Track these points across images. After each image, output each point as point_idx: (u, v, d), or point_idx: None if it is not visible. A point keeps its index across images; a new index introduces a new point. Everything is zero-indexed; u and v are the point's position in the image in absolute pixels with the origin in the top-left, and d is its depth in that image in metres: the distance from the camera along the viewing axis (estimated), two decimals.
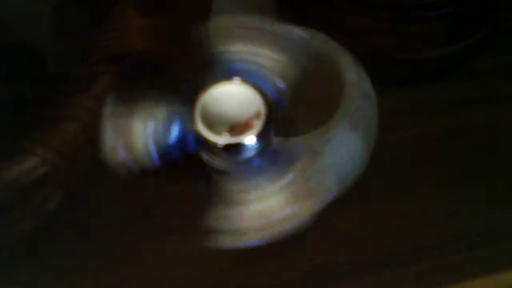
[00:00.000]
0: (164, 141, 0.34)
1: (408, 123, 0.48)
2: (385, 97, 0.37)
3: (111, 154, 0.34)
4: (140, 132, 0.34)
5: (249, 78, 0.34)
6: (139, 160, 0.34)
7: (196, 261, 0.43)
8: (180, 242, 0.43)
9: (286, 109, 0.36)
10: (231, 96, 0.32)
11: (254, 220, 0.34)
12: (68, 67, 0.43)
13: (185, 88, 0.36)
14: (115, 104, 0.35)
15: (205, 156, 0.33)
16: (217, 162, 0.33)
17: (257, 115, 0.32)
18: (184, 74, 0.38)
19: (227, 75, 0.34)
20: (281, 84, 0.36)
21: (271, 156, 0.34)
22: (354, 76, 0.36)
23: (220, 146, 0.32)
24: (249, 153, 0.32)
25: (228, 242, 0.34)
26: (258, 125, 0.32)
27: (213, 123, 0.32)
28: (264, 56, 0.36)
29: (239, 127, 0.32)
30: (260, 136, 0.32)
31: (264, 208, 0.34)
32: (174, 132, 0.34)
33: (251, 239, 0.34)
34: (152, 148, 0.34)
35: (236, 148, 0.32)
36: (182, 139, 0.34)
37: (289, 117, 0.36)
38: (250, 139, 0.32)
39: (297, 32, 0.39)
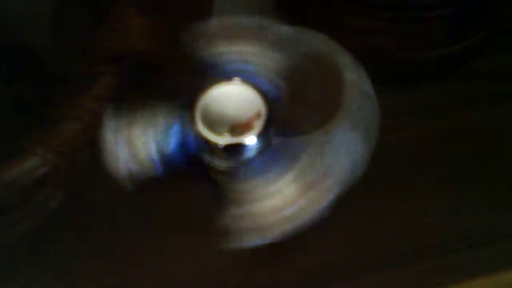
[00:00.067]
0: (166, 147, 0.34)
1: (408, 123, 0.48)
2: (385, 97, 0.37)
3: (115, 165, 0.34)
4: (142, 141, 0.34)
5: (248, 78, 0.34)
6: (143, 169, 0.34)
7: (196, 261, 0.43)
8: (180, 242, 0.43)
9: (285, 109, 0.36)
10: (232, 97, 0.33)
11: (257, 220, 0.34)
12: (68, 67, 0.43)
13: (184, 90, 0.36)
14: (114, 115, 0.35)
15: (207, 158, 0.33)
16: (218, 163, 0.33)
17: (258, 115, 0.32)
18: (183, 76, 0.38)
19: (227, 76, 0.34)
20: (280, 84, 0.35)
21: (272, 156, 0.34)
22: (354, 76, 0.36)
23: (220, 147, 0.32)
24: (249, 153, 0.32)
25: (234, 241, 0.34)
26: (258, 125, 0.32)
27: (213, 123, 0.32)
28: (264, 56, 0.36)
29: (239, 128, 0.32)
30: (261, 136, 0.32)
31: (267, 207, 0.34)
32: (175, 137, 0.34)
33: (256, 239, 0.34)
34: (155, 155, 0.34)
35: (236, 148, 0.32)
36: (183, 143, 0.34)
37: (289, 117, 0.36)
38: (250, 139, 0.32)
39: (297, 33, 0.39)
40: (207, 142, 0.32)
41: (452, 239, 0.44)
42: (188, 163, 0.34)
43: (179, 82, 0.38)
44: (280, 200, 0.33)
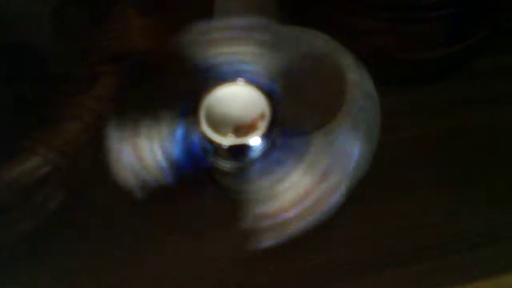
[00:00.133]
0: (173, 153, 0.34)
1: (409, 123, 0.48)
2: (385, 97, 0.37)
3: (124, 175, 0.34)
4: (148, 149, 0.34)
5: (251, 79, 0.34)
6: (152, 177, 0.34)
7: (196, 261, 0.43)
8: (180, 242, 0.43)
9: (287, 109, 0.36)
10: (236, 98, 0.32)
11: (266, 220, 0.34)
12: (69, 67, 0.43)
13: (186, 92, 0.36)
14: (118, 128, 0.35)
15: (212, 160, 0.33)
16: (223, 164, 0.33)
17: (262, 116, 0.32)
18: (184, 77, 0.38)
19: (229, 77, 0.34)
20: (282, 84, 0.35)
21: (276, 156, 0.34)
22: (356, 76, 0.37)
23: (225, 147, 0.32)
24: (254, 154, 0.32)
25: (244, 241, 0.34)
26: (262, 126, 0.32)
27: (218, 124, 0.32)
28: (266, 57, 0.36)
29: (244, 128, 0.32)
30: (265, 137, 0.32)
31: (274, 207, 0.34)
32: (180, 142, 0.34)
33: (266, 239, 0.34)
34: (163, 162, 0.34)
35: (241, 149, 0.32)
36: (188, 147, 0.34)
37: (291, 117, 0.36)
38: (255, 140, 0.32)
39: (299, 33, 0.39)
40: (211, 143, 0.32)
41: (452, 240, 0.44)
42: (193, 166, 0.34)
43: (180, 83, 0.38)
44: (287, 200, 0.33)
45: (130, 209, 0.43)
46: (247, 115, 0.32)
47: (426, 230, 0.44)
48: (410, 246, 0.44)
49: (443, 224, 0.44)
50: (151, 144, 0.34)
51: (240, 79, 0.33)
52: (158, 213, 0.43)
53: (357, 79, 0.36)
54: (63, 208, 0.42)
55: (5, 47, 0.42)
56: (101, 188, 0.44)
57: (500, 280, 0.42)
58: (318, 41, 0.38)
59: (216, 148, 0.32)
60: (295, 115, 0.36)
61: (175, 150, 0.34)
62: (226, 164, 0.33)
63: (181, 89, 0.38)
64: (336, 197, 0.34)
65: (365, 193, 0.39)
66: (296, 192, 0.33)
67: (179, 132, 0.34)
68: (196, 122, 0.32)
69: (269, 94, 0.33)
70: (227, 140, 0.32)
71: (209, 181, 0.36)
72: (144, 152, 0.34)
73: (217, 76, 0.34)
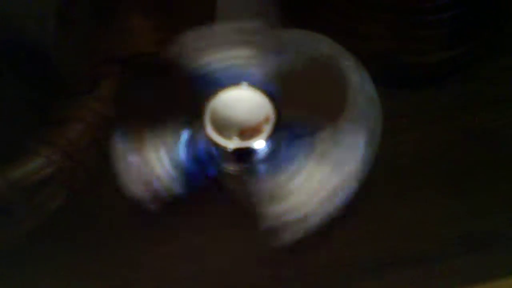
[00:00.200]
0: (181, 161, 0.34)
1: (410, 126, 0.48)
2: (387, 100, 0.37)
3: (135, 191, 0.35)
4: (156, 161, 0.34)
5: (254, 83, 0.34)
6: (164, 189, 0.34)
7: (196, 262, 0.43)
8: (181, 243, 0.44)
9: (289, 112, 0.36)
10: (240, 101, 0.33)
11: (281, 218, 0.34)
12: (73, 68, 0.42)
13: (187, 100, 0.36)
14: (123, 141, 0.35)
15: (218, 164, 0.34)
16: (230, 168, 0.34)
17: (266, 120, 0.32)
18: (184, 85, 0.38)
19: (231, 81, 0.34)
20: (284, 87, 0.36)
21: (279, 159, 0.34)
22: (358, 79, 0.37)
23: (230, 150, 0.32)
24: (259, 157, 0.33)
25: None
26: (267, 129, 0.32)
27: (223, 128, 0.32)
28: (267, 60, 0.36)
29: (248, 132, 0.32)
30: (269, 140, 0.32)
31: (287, 205, 0.34)
32: (187, 149, 0.34)
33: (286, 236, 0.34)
34: (173, 173, 0.34)
35: (245, 152, 0.32)
36: (195, 153, 0.34)
37: (293, 120, 0.36)
38: (259, 143, 0.32)
39: (300, 35, 0.39)
40: (216, 146, 0.32)
41: (452, 243, 0.44)
42: (201, 172, 0.34)
43: (181, 90, 0.38)
44: (300, 196, 0.34)
45: (132, 210, 0.43)
46: (252, 118, 0.32)
47: (426, 233, 0.44)
48: (410, 248, 0.44)
49: (444, 227, 0.44)
50: (158, 154, 0.34)
51: (244, 83, 0.33)
52: (162, 214, 0.43)
53: (359, 82, 0.36)
54: (65, 209, 0.42)
55: (8, 47, 0.42)
56: (103, 189, 0.44)
57: (500, 285, 0.42)
58: (320, 44, 0.38)
59: (222, 152, 0.32)
60: (297, 118, 0.36)
61: (183, 158, 0.34)
62: (232, 168, 0.34)
63: (182, 96, 0.38)
64: (349, 189, 0.34)
65: (365, 195, 0.40)
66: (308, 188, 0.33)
67: (185, 139, 0.34)
68: (200, 128, 0.33)
69: (272, 97, 0.33)
70: (232, 143, 0.32)
71: (216, 184, 0.36)
72: (152, 163, 0.34)
73: (219, 81, 0.34)
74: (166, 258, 0.44)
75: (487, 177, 0.46)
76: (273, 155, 0.33)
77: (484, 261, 0.43)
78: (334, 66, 0.37)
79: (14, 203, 0.40)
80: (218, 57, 0.36)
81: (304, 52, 0.37)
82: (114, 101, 0.41)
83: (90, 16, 0.44)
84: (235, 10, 0.50)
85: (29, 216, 0.41)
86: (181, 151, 0.34)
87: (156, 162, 0.34)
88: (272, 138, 0.32)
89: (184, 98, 0.37)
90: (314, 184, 0.34)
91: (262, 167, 0.34)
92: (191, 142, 0.34)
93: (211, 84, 0.34)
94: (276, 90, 0.35)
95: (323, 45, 0.38)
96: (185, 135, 0.34)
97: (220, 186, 0.35)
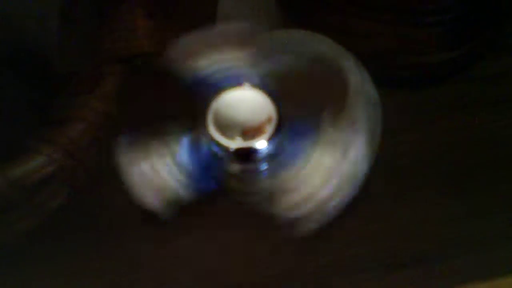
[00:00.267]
0: (188, 167, 0.34)
1: (410, 127, 0.48)
2: (387, 101, 0.37)
3: (148, 201, 0.35)
4: (164, 169, 0.34)
5: (255, 84, 0.34)
6: (175, 196, 0.35)
7: (196, 262, 0.44)
8: (182, 243, 0.44)
9: (289, 112, 0.36)
10: (243, 102, 0.33)
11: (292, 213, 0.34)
12: (74, 67, 0.42)
13: (187, 106, 0.36)
14: (128, 151, 0.35)
15: (223, 165, 0.34)
16: (234, 168, 0.34)
17: (269, 120, 0.32)
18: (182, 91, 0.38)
19: (232, 83, 0.34)
20: (284, 88, 0.36)
21: (281, 158, 0.34)
22: (358, 79, 0.37)
23: (232, 150, 0.32)
24: (261, 156, 0.33)
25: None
26: (269, 129, 0.32)
27: (225, 128, 0.32)
28: (267, 61, 0.36)
29: (251, 132, 0.32)
30: (271, 140, 0.32)
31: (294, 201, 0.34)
32: (192, 154, 0.34)
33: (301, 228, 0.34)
34: (182, 179, 0.34)
35: (248, 152, 0.32)
36: (200, 158, 0.34)
37: (293, 120, 0.36)
38: (261, 144, 0.32)
39: (300, 35, 0.39)
40: (219, 146, 0.32)
41: (452, 243, 0.44)
42: (208, 174, 0.35)
43: (180, 97, 0.38)
44: (307, 191, 0.34)
45: (133, 209, 0.43)
46: (254, 119, 0.32)
47: (426, 233, 0.44)
48: (410, 248, 0.44)
49: (444, 228, 0.45)
50: (165, 162, 0.34)
51: (246, 83, 0.34)
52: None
53: (359, 82, 0.36)
54: (65, 208, 0.42)
55: (10, 46, 0.42)
56: (104, 188, 0.44)
57: (500, 283, 0.42)
58: (320, 44, 0.38)
59: (225, 153, 0.32)
60: (297, 118, 0.36)
61: (188, 163, 0.34)
62: (235, 168, 0.34)
63: (182, 100, 0.38)
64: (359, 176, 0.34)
65: (365, 196, 0.40)
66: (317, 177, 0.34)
67: (188, 144, 0.34)
68: (203, 132, 0.33)
69: (274, 98, 0.33)
70: (234, 143, 0.32)
71: (218, 184, 0.36)
72: (160, 171, 0.34)
73: (218, 84, 0.35)
74: (166, 258, 0.44)
75: (487, 178, 0.46)
76: (276, 154, 0.33)
77: (484, 261, 0.43)
78: (334, 66, 0.37)
79: (14, 201, 0.39)
80: (216, 60, 0.36)
81: (304, 52, 0.37)
82: (116, 101, 0.41)
83: (92, 16, 0.43)
84: (235, 10, 0.50)
85: (30, 215, 0.41)
86: (186, 156, 0.34)
87: (163, 170, 0.34)
88: (274, 138, 0.32)
89: (184, 102, 0.37)
90: (323, 172, 0.34)
91: (265, 167, 0.34)
92: (194, 146, 0.34)
93: (211, 87, 0.34)
94: (276, 90, 0.35)
95: (323, 45, 0.38)
96: (187, 139, 0.34)
97: (223, 186, 0.35)
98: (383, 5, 0.46)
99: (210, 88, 0.34)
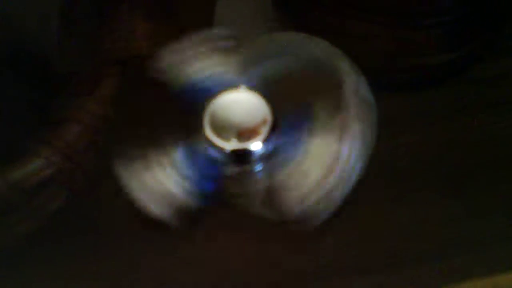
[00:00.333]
0: (189, 174, 0.34)
1: (408, 129, 0.48)
2: (384, 103, 0.37)
3: (156, 211, 0.35)
4: (166, 179, 0.35)
5: (251, 86, 0.34)
6: (180, 204, 0.35)
7: (195, 264, 0.44)
8: (182, 244, 0.44)
9: (285, 115, 0.36)
10: (238, 104, 0.33)
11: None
12: (73, 69, 0.43)
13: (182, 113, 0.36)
14: (129, 164, 0.35)
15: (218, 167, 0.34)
16: (231, 170, 0.34)
17: (264, 122, 0.32)
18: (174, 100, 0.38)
19: (231, 84, 0.35)
20: (279, 90, 0.36)
21: (280, 156, 0.35)
22: (353, 81, 0.37)
23: (227, 152, 0.32)
24: (256, 158, 0.33)
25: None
26: (264, 131, 0.32)
27: (221, 130, 0.32)
28: (261, 64, 0.36)
29: (246, 134, 0.32)
30: (266, 142, 0.32)
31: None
32: (191, 162, 0.35)
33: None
34: (185, 186, 0.34)
35: (243, 153, 0.32)
36: (199, 164, 0.35)
37: (288, 122, 0.36)
38: (256, 145, 0.32)
39: (297, 38, 0.39)
40: (215, 148, 0.32)
41: (452, 243, 0.44)
42: (208, 180, 0.35)
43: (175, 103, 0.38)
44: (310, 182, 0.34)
45: (132, 211, 0.43)
46: (249, 120, 0.33)
47: (426, 233, 0.45)
48: (410, 248, 0.44)
49: (443, 227, 0.45)
50: (166, 171, 0.35)
51: (242, 86, 0.34)
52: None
53: (354, 84, 0.37)
54: (64, 211, 0.42)
55: (10, 46, 0.42)
56: (102, 190, 0.44)
57: (499, 279, 0.43)
58: (316, 47, 0.38)
59: (222, 155, 0.33)
60: (292, 120, 0.36)
61: (188, 169, 0.34)
62: (232, 170, 0.34)
63: (175, 109, 0.38)
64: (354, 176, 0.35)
65: (365, 197, 0.40)
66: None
67: (186, 151, 0.34)
68: (198, 137, 0.33)
69: (270, 100, 0.34)
70: (230, 145, 0.32)
71: (216, 186, 0.36)
72: (163, 180, 0.35)
73: (211, 89, 0.35)
74: (165, 260, 0.44)
75: (486, 178, 0.46)
76: (272, 154, 0.34)
77: (484, 261, 0.43)
78: (329, 69, 0.37)
79: (14, 204, 0.40)
80: (206, 66, 0.36)
81: (300, 55, 0.37)
82: (113, 104, 0.41)
83: (91, 17, 0.44)
84: (232, 13, 0.50)
85: (29, 217, 0.41)
86: (185, 163, 0.34)
87: (166, 179, 0.35)
88: (269, 139, 0.32)
89: (177, 110, 0.37)
90: (323, 163, 0.34)
91: (261, 167, 0.34)
92: (192, 152, 0.34)
93: (203, 93, 0.35)
94: (271, 92, 0.35)
95: (319, 48, 0.38)
96: (184, 146, 0.35)
97: (221, 189, 0.36)
98: (381, 7, 0.46)
99: (202, 94, 0.35)
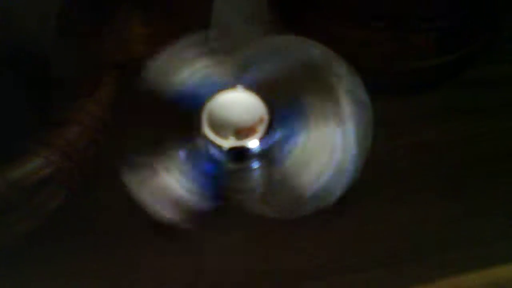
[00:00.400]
0: (195, 176, 0.35)
1: (405, 132, 0.48)
2: (382, 106, 0.37)
3: (167, 215, 0.35)
4: (174, 183, 0.35)
5: (247, 86, 0.35)
6: (192, 206, 0.35)
7: (195, 262, 0.44)
8: (180, 243, 0.44)
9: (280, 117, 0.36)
10: (236, 103, 0.33)
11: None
12: (72, 71, 0.43)
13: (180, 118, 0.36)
14: (135, 173, 0.35)
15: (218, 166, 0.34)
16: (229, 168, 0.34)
17: (261, 120, 0.33)
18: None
19: (228, 85, 0.35)
20: (276, 93, 0.36)
21: (271, 159, 0.35)
22: (349, 84, 0.37)
23: (225, 150, 0.33)
24: (254, 155, 0.33)
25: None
26: (261, 129, 0.33)
27: (219, 128, 0.33)
28: (260, 66, 0.37)
29: (244, 132, 0.33)
30: (263, 140, 0.33)
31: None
32: (196, 163, 0.35)
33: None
34: (193, 188, 0.35)
35: (240, 151, 0.33)
36: (202, 166, 0.35)
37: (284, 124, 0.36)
38: (253, 143, 0.33)
39: (293, 41, 0.39)
40: (214, 146, 0.33)
41: (452, 243, 0.44)
42: (213, 181, 0.35)
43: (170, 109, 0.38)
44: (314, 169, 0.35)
45: (132, 210, 0.44)
46: (247, 119, 0.33)
47: (426, 233, 0.45)
48: (409, 248, 0.44)
49: (443, 228, 0.45)
50: (173, 175, 0.35)
51: (239, 86, 0.34)
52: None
53: (350, 88, 0.37)
54: (63, 210, 0.42)
55: (10, 46, 0.42)
56: (101, 189, 0.45)
57: (494, 272, 0.43)
58: (313, 49, 0.38)
59: (221, 153, 0.33)
60: (288, 118, 0.36)
61: (194, 171, 0.35)
62: (231, 167, 0.34)
63: (172, 115, 0.38)
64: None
65: (365, 198, 0.40)
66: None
67: (188, 154, 0.35)
68: (198, 138, 0.33)
69: (267, 99, 0.34)
70: (227, 143, 0.32)
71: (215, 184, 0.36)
72: (171, 185, 0.35)
73: (204, 92, 0.35)
74: (165, 259, 0.44)
75: (485, 179, 0.47)
76: (268, 152, 0.34)
77: (484, 261, 0.43)
78: (326, 72, 0.37)
79: (13, 203, 0.40)
80: (197, 70, 0.36)
81: (296, 58, 0.37)
82: (111, 107, 0.42)
83: (90, 19, 0.44)
84: (229, 16, 0.50)
85: (29, 216, 0.41)
86: (190, 166, 0.35)
87: (174, 184, 0.35)
88: (266, 137, 0.33)
89: (174, 115, 0.37)
90: (321, 157, 0.35)
91: (258, 165, 0.35)
92: (194, 154, 0.35)
93: (197, 97, 0.35)
94: (267, 92, 0.35)
95: (314, 51, 0.38)
96: (186, 149, 0.35)
97: (222, 186, 0.36)
98: (378, 10, 0.46)
99: (199, 96, 0.35)
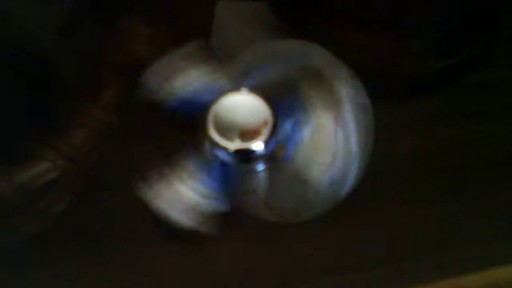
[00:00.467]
0: (207, 182, 0.35)
1: (406, 136, 0.48)
2: (382, 110, 0.38)
3: (186, 222, 0.35)
4: (189, 191, 0.35)
5: (252, 89, 0.35)
6: (208, 211, 0.35)
7: (197, 264, 0.44)
8: (183, 245, 0.44)
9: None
10: (241, 106, 0.34)
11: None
12: (73, 72, 0.43)
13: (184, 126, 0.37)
14: (151, 185, 0.36)
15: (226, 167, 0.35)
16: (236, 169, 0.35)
17: (265, 123, 0.33)
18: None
19: (231, 89, 0.35)
20: (277, 96, 0.36)
21: (277, 161, 0.35)
22: (350, 88, 0.37)
23: (231, 151, 0.33)
24: (257, 158, 0.34)
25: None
26: (266, 132, 0.33)
27: (225, 130, 0.33)
28: (262, 69, 0.37)
29: (249, 134, 0.33)
30: (268, 142, 0.33)
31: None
32: (207, 169, 0.35)
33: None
34: (209, 194, 0.35)
35: (246, 153, 0.33)
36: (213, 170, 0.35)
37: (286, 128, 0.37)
38: (258, 145, 0.33)
39: (295, 45, 0.39)
40: (219, 148, 0.33)
41: (452, 243, 0.45)
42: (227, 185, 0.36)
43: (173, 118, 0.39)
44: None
45: (135, 214, 0.44)
46: (252, 121, 0.33)
47: (426, 233, 0.45)
48: (409, 248, 0.45)
49: (443, 228, 0.45)
50: (187, 183, 0.35)
51: (243, 89, 0.34)
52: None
53: (351, 92, 0.37)
54: (68, 213, 0.43)
55: (10, 46, 0.42)
56: (106, 193, 0.45)
57: (495, 273, 0.43)
58: (313, 54, 0.38)
59: (226, 155, 0.33)
60: (291, 120, 0.37)
61: (207, 177, 0.35)
62: (237, 169, 0.35)
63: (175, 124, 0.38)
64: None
65: (362, 199, 0.40)
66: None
67: (199, 160, 0.35)
68: (204, 143, 0.34)
69: (271, 102, 0.34)
70: (233, 145, 0.33)
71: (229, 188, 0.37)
72: (187, 193, 0.35)
73: (205, 99, 0.35)
74: (166, 261, 0.44)
75: (485, 180, 0.47)
76: (273, 154, 0.34)
77: (484, 261, 0.44)
78: (327, 76, 0.37)
79: (19, 206, 0.40)
80: (195, 77, 0.36)
81: (298, 62, 0.38)
82: (116, 111, 0.42)
83: (93, 21, 0.44)
84: (231, 20, 0.50)
85: (34, 219, 0.42)
86: (202, 172, 0.35)
87: (189, 191, 0.35)
88: (271, 139, 0.33)
89: (176, 124, 0.38)
90: (324, 157, 0.35)
91: (263, 166, 0.35)
92: (204, 160, 0.35)
93: (198, 103, 0.35)
94: (271, 95, 0.36)
95: (316, 55, 0.38)
96: (196, 155, 0.35)
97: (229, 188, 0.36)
98: (378, 15, 0.46)
99: (198, 104, 0.35)
